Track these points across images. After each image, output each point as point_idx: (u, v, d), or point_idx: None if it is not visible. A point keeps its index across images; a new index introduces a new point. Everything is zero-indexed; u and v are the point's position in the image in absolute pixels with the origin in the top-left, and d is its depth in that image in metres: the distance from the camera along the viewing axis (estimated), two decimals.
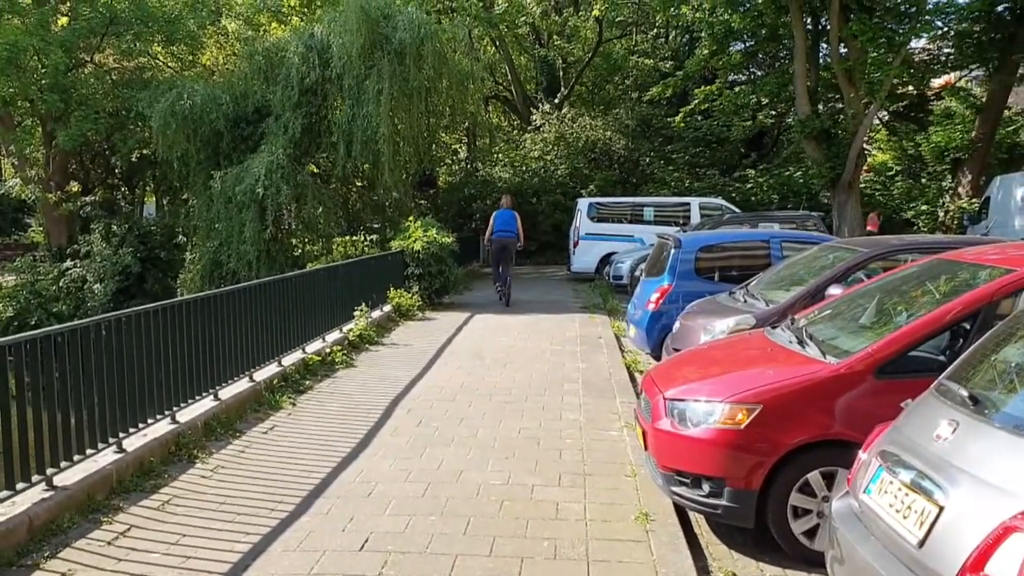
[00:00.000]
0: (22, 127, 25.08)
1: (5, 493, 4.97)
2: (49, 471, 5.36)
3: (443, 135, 26.72)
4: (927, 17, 20.78)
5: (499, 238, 17.06)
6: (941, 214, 24.16)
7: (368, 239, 20.02)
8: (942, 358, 4.90)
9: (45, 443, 5.34)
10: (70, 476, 5.53)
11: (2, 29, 21.97)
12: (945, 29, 22.71)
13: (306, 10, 28.11)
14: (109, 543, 4.98)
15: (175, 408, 7.02)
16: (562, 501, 5.66)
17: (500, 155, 31.83)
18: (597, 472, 6.27)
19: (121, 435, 6.18)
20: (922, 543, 3.00)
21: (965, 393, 3.37)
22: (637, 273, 15.24)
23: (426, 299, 16.25)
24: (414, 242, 16.48)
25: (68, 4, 24.72)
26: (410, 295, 15.63)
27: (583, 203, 22.49)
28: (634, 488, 5.91)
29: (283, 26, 28.33)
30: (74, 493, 5.41)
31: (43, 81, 22.86)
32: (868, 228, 21.02)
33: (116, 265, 22.27)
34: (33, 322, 21.09)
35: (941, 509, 2.99)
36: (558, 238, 26.99)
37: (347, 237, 20.76)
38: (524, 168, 30.44)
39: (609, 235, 21.62)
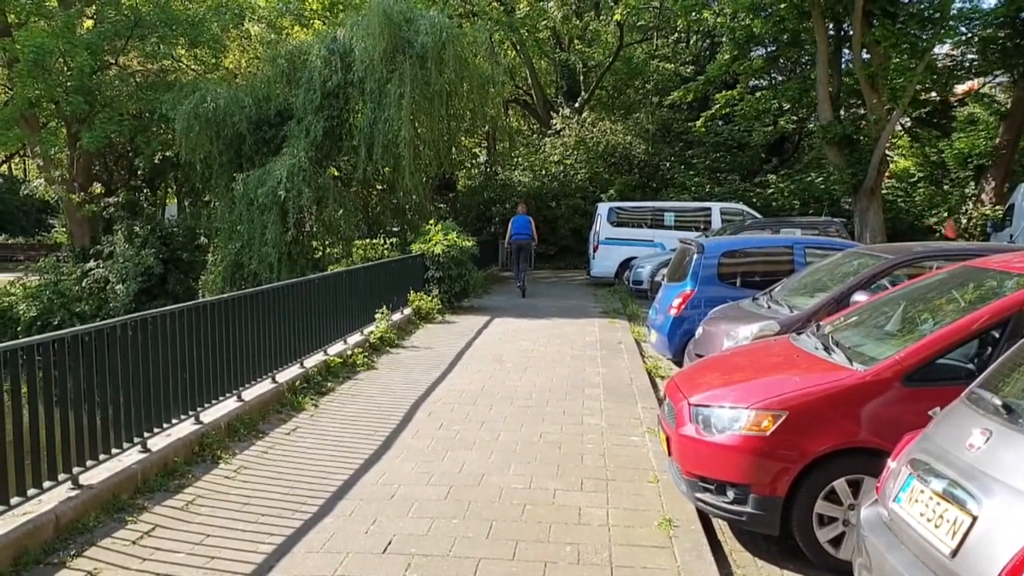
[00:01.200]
0: (47, 128, 25.36)
1: (32, 491, 5.02)
2: (75, 470, 5.40)
3: (463, 139, 26.79)
4: (951, 23, 20.63)
5: (516, 240, 19.47)
6: (964, 221, 23.96)
7: (388, 242, 20.09)
8: (970, 366, 4.85)
9: (71, 442, 5.38)
10: (95, 475, 5.57)
11: (29, 32, 22.25)
12: (969, 35, 22.55)
13: (328, 14, 28.28)
14: (134, 542, 5.01)
15: (199, 409, 7.06)
16: (584, 506, 5.65)
17: (520, 159, 31.85)
18: (619, 477, 6.25)
19: (146, 435, 6.22)
20: (955, 553, 2.96)
21: (998, 402, 3.33)
22: (657, 278, 15.21)
23: (446, 302, 16.26)
24: (434, 245, 16.50)
25: (94, 7, 24.95)
26: (430, 298, 15.65)
27: (603, 208, 22.46)
28: (657, 494, 5.88)
29: (305, 30, 28.51)
30: (99, 492, 5.45)
31: (68, 83, 23.10)
32: (947, 235, 20.75)
33: (138, 266, 22.43)
34: (56, 322, 21.32)
35: (974, 519, 2.95)
36: (577, 242, 26.98)
37: (367, 240, 20.82)
38: (544, 172, 30.43)
39: (629, 240, 21.57)
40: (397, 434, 7.48)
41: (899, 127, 25.80)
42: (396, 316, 13.80)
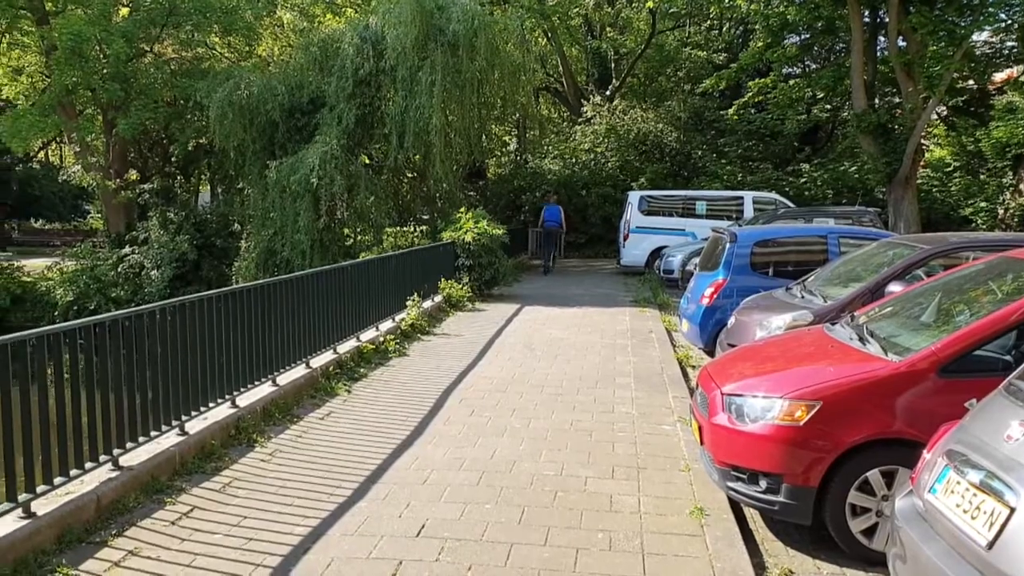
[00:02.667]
0: (84, 115, 25.66)
1: (74, 472, 5.13)
2: (115, 452, 5.50)
3: (494, 127, 26.77)
4: (990, 9, 20.23)
5: (548, 227, 22.73)
6: (1001, 211, 23.58)
7: (418, 230, 20.18)
8: (1008, 358, 4.80)
9: (112, 424, 5.49)
10: (135, 457, 5.68)
11: (66, 19, 22.53)
12: (1009, 22, 22.10)
13: (361, 1, 28.34)
14: (173, 523, 5.11)
15: (235, 393, 7.17)
16: (616, 494, 5.67)
17: (550, 147, 31.77)
18: (651, 466, 6.27)
19: (184, 418, 6.33)
20: (991, 544, 2.96)
21: None
22: (688, 267, 15.15)
23: (476, 290, 16.32)
24: (465, 233, 16.55)
25: None
26: (460, 286, 15.72)
27: (634, 196, 22.34)
28: (688, 483, 5.90)
29: (338, 18, 28.62)
30: (139, 473, 5.56)
31: (105, 70, 23.41)
32: None
33: (173, 252, 22.75)
34: (92, 307, 21.67)
35: (1012, 511, 2.94)
36: (608, 231, 26.91)
37: (398, 227, 20.94)
38: (574, 160, 30.36)
39: (660, 229, 21.45)
40: (429, 420, 7.55)
41: (935, 116, 25.40)
42: (427, 303, 13.88)
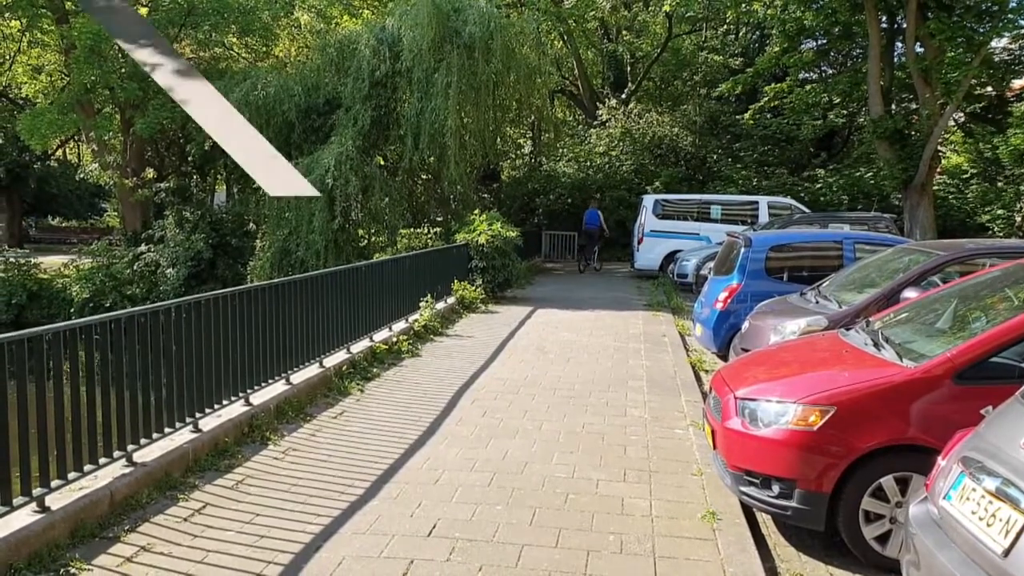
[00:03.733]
0: (102, 114, 25.84)
1: (88, 467, 5.16)
2: (129, 447, 5.53)
3: (508, 129, 26.79)
4: (1010, 16, 20.17)
5: (587, 229, 24.26)
6: (1018, 219, 23.43)
7: (432, 231, 20.22)
8: None
9: (126, 421, 5.52)
10: (149, 453, 5.71)
11: (86, 19, 22.66)
12: None
13: (378, 3, 28.43)
14: (185, 519, 5.13)
15: (249, 391, 7.19)
16: (627, 497, 5.66)
17: (565, 150, 31.76)
18: (663, 469, 6.25)
19: (197, 415, 6.36)
20: (1007, 552, 2.94)
21: None
22: (703, 272, 15.11)
23: (489, 292, 16.31)
24: (478, 235, 16.55)
25: None
26: (473, 288, 15.72)
27: (648, 200, 22.29)
28: (700, 487, 5.88)
29: (354, 19, 28.71)
30: (152, 470, 5.58)
31: (123, 69, 23.57)
32: None
33: (188, 251, 22.86)
34: (108, 304, 21.80)
35: None
36: (622, 234, 26.83)
37: (412, 229, 20.98)
38: (588, 163, 30.32)
39: (674, 233, 21.38)
40: (441, 420, 7.56)
41: (952, 122, 25.26)
42: (440, 305, 13.89)
